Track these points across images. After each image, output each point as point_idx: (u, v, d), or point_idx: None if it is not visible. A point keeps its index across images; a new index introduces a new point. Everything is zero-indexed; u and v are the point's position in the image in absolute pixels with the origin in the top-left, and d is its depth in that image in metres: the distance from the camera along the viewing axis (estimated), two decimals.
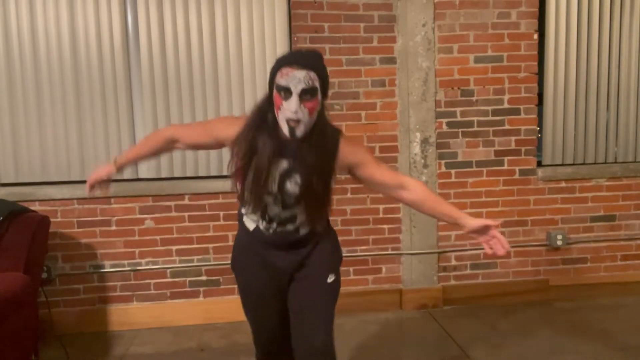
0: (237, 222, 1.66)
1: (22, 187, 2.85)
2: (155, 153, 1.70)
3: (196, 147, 1.71)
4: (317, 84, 1.36)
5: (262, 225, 1.52)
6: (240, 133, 1.45)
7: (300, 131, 1.36)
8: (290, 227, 1.51)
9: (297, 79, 1.32)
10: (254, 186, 1.43)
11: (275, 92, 1.37)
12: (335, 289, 1.58)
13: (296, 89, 1.32)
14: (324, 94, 1.42)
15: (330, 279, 1.56)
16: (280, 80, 1.34)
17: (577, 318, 2.93)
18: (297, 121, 1.34)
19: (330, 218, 1.66)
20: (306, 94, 1.34)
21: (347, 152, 1.49)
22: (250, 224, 1.56)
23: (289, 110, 1.33)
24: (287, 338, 1.59)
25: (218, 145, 1.57)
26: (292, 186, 1.44)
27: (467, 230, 1.55)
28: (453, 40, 3.04)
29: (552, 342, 2.61)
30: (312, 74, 1.35)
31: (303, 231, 1.53)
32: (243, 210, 1.58)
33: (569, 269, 3.27)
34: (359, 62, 3.01)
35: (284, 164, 1.44)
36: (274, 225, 1.51)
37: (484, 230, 1.53)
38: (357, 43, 2.99)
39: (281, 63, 1.38)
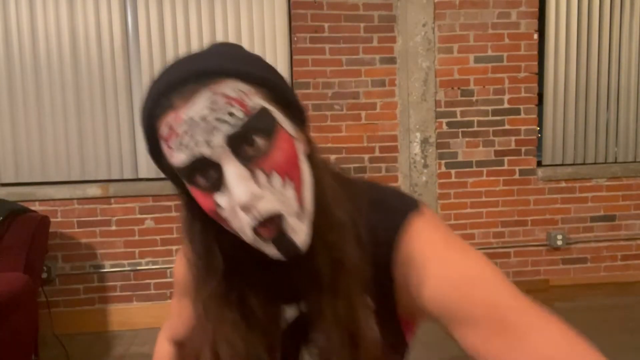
0: None
1: (22, 187, 2.85)
2: None
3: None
4: (258, 102, 0.54)
5: None
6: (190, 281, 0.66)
7: (298, 236, 0.55)
8: None
9: (197, 125, 0.52)
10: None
11: (187, 184, 0.57)
12: None
13: (213, 147, 0.52)
14: (294, 115, 0.59)
15: None
16: (172, 152, 0.54)
17: (577, 318, 2.93)
18: (273, 218, 0.54)
19: None
20: (245, 141, 0.53)
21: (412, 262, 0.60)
22: None
23: (238, 204, 0.52)
24: None
25: None
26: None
27: None
28: (453, 40, 3.04)
29: None
30: (230, 86, 0.53)
31: None
32: None
33: (569, 269, 3.26)
34: (359, 62, 3.00)
35: (288, 315, 0.66)
36: None
37: None
38: (357, 43, 2.99)
39: (151, 109, 0.55)
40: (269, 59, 2.62)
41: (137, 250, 2.93)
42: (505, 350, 0.51)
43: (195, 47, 2.90)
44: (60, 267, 2.87)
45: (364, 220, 0.60)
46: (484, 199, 3.15)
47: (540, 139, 3.28)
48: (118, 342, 2.76)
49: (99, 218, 2.88)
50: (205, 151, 0.52)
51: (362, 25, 2.99)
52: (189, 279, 0.65)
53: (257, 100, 0.54)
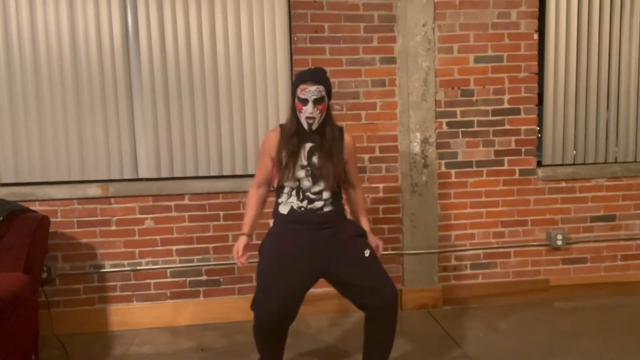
0: (237, 222, 1.85)
1: (22, 187, 2.85)
2: (261, 205, 2.18)
3: (270, 176, 2.14)
4: (324, 94, 2.01)
5: (296, 204, 2.03)
6: (280, 139, 2.06)
7: (315, 125, 2.01)
8: (317, 203, 2.02)
9: (311, 92, 1.98)
10: (289, 161, 2.00)
11: (297, 101, 2.02)
12: (375, 256, 2.06)
13: (311, 99, 1.98)
14: (329, 98, 2.06)
15: (367, 253, 2.03)
16: (300, 94, 1.99)
17: (577, 318, 2.93)
18: (313, 118, 2.00)
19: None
20: (317, 101, 1.99)
21: (348, 141, 2.14)
22: (285, 208, 2.05)
23: (307, 113, 1.99)
24: (297, 305, 1.99)
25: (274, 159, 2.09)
26: (317, 159, 2.03)
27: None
28: (453, 40, 3.04)
29: (552, 342, 2.61)
30: (321, 87, 2.00)
31: (327, 209, 2.04)
32: (280, 200, 2.08)
33: (569, 269, 3.27)
34: (359, 62, 3.01)
35: (308, 145, 2.05)
36: (305, 202, 2.02)
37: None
38: (357, 43, 2.99)
39: (299, 81, 2.02)
40: (269, 59, 2.65)
41: (137, 250, 2.93)
42: (353, 169, 2.22)
43: (195, 47, 2.91)
44: (60, 267, 2.87)
45: (335, 125, 2.13)
46: (484, 199, 3.15)
47: (540, 139, 3.28)
48: (118, 342, 2.76)
49: (99, 218, 2.88)
50: (309, 99, 1.99)
51: (362, 25, 2.99)
52: (276, 142, 2.06)
53: (324, 93, 2.02)
